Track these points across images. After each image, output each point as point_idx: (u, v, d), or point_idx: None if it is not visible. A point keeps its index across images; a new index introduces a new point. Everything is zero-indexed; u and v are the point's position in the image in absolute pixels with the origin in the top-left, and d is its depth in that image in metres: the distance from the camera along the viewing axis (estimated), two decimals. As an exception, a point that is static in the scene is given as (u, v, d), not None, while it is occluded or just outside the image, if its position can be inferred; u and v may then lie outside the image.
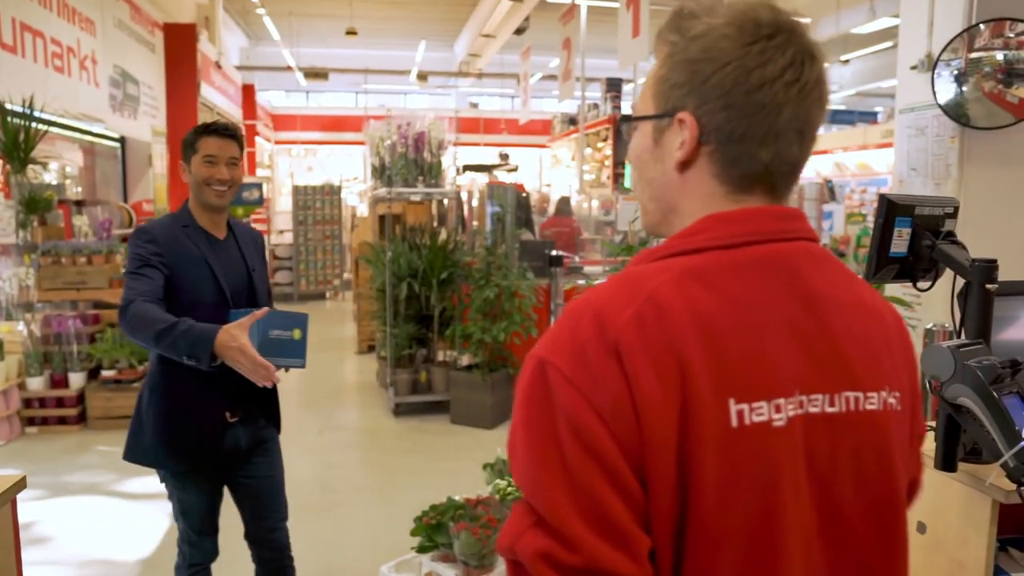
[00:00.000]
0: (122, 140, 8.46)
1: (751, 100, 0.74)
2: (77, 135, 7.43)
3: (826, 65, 0.78)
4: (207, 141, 2.17)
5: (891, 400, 0.78)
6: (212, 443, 2.21)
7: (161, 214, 8.65)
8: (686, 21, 0.78)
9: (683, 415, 0.68)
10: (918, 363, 0.85)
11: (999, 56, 3.14)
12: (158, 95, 9.07)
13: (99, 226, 5.71)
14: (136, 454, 2.27)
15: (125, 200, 8.45)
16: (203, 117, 10.20)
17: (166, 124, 9.21)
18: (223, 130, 2.20)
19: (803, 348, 0.74)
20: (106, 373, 5.26)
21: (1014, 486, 1.20)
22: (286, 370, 2.13)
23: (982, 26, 3.16)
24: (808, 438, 0.73)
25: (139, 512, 3.90)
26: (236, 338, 1.92)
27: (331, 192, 11.61)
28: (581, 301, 0.75)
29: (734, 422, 0.69)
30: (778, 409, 0.71)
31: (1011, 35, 3.13)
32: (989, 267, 1.36)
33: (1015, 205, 3.25)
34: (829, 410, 0.74)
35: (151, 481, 4.29)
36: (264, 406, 2.38)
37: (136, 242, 2.15)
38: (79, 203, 6.83)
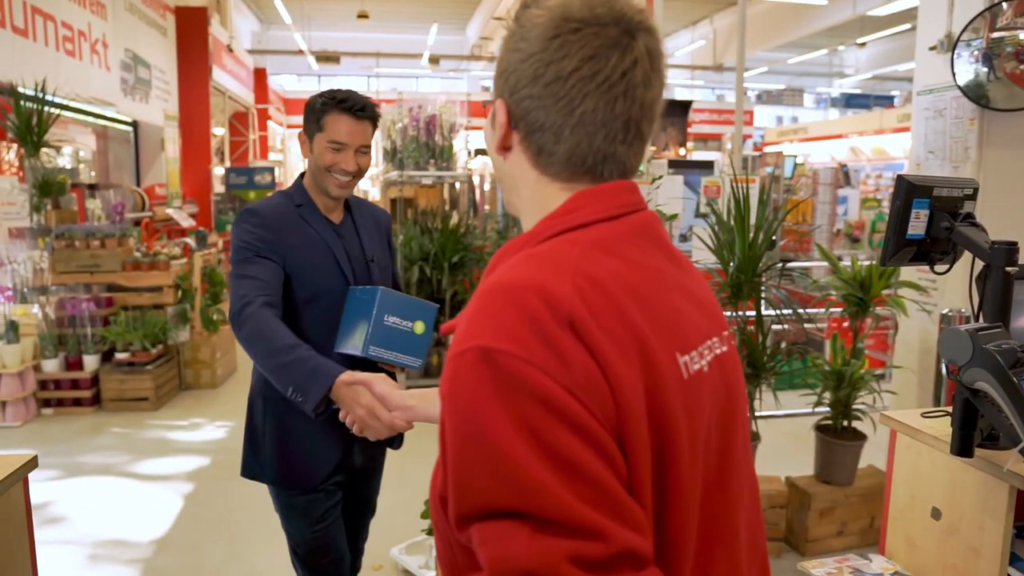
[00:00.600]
0: (134, 124, 8.48)
1: (548, 91, 0.76)
2: (90, 119, 7.45)
3: (651, 57, 0.77)
4: (336, 120, 1.78)
5: (725, 347, 0.85)
6: (337, 460, 1.89)
7: (174, 199, 8.69)
8: (524, 10, 0.80)
9: (646, 378, 0.68)
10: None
11: (1022, 35, 3.08)
12: (170, 79, 9.07)
13: (112, 210, 5.73)
14: (253, 471, 1.94)
15: (138, 184, 8.49)
16: (215, 102, 10.22)
17: (178, 108, 9.22)
18: (358, 109, 1.79)
19: (692, 301, 0.80)
20: (119, 356, 5.29)
21: (1031, 472, 1.18)
22: (401, 369, 1.79)
23: (1005, 4, 3.10)
24: (722, 377, 0.80)
25: (152, 493, 3.94)
26: (360, 393, 1.54)
27: (342, 176, 11.59)
28: (507, 282, 0.70)
29: (684, 373, 0.73)
30: (701, 356, 0.76)
31: (1033, 14, 3.07)
32: (1010, 250, 1.33)
33: (1034, 189, 3.20)
34: (719, 351, 0.81)
35: (164, 462, 4.36)
36: None
37: (243, 227, 1.80)
38: (92, 187, 6.86)
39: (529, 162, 0.80)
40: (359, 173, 1.84)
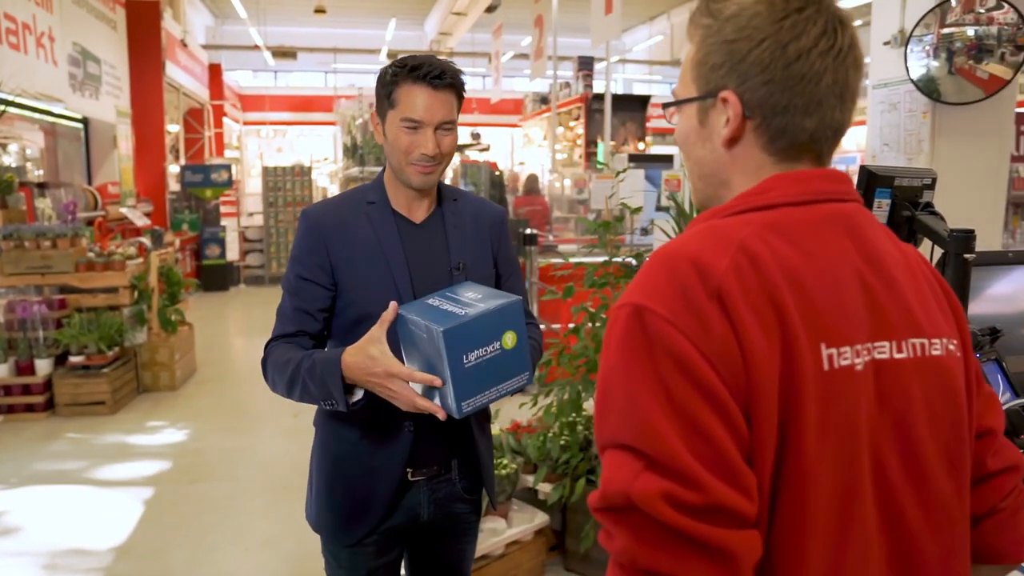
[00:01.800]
0: (84, 121, 8.25)
1: (790, 72, 0.78)
2: (37, 116, 7.22)
3: (856, 27, 0.82)
4: (410, 93, 1.48)
5: (951, 347, 0.83)
6: (382, 509, 1.59)
7: (128, 197, 8.49)
8: (717, 3, 0.82)
9: (784, 360, 0.71)
10: (963, 319, 0.90)
11: (970, 32, 3.16)
12: (121, 75, 8.84)
13: (63, 209, 5.57)
14: (307, 513, 1.74)
15: (89, 182, 8.26)
16: (169, 98, 10.00)
17: (130, 104, 8.99)
18: (435, 77, 1.47)
19: (869, 299, 0.78)
20: (74, 359, 5.15)
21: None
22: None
23: (953, 1, 3.18)
24: (878, 382, 0.77)
25: (111, 499, 3.84)
26: (372, 356, 1.34)
27: (301, 173, 11.45)
28: (671, 250, 0.76)
29: (826, 365, 0.73)
30: (858, 354, 0.75)
31: (981, 10, 3.16)
32: (967, 237, 1.37)
33: (984, 179, 3.30)
34: (897, 356, 0.78)
35: (123, 467, 4.25)
36: (466, 458, 1.64)
37: (296, 237, 1.59)
38: (41, 185, 6.65)
39: (761, 147, 0.82)
40: (443, 156, 1.54)
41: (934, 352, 0.81)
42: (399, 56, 1.53)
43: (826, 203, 0.80)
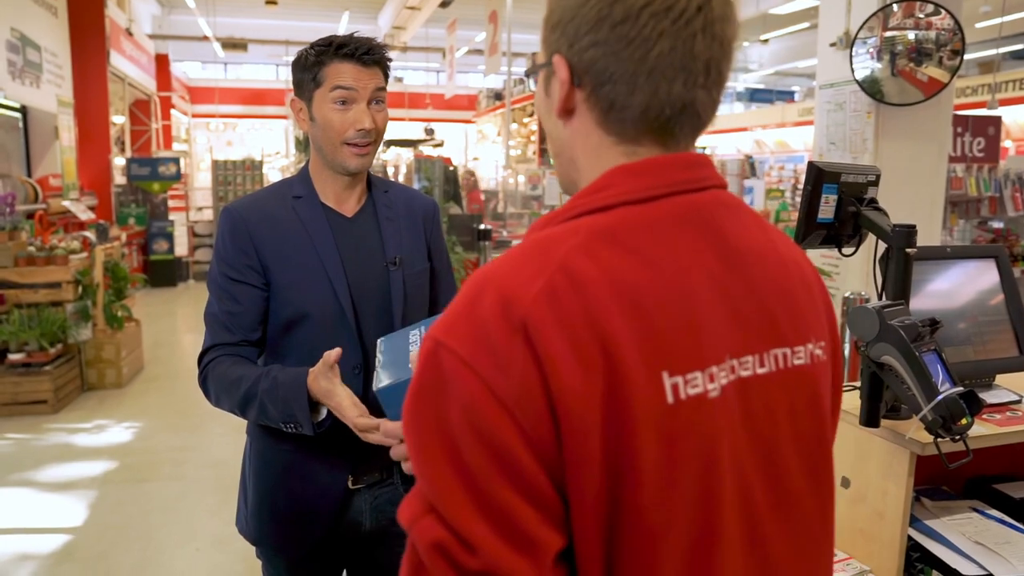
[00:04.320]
0: (23, 110, 7.96)
1: (616, 34, 0.66)
2: (-27, 104, 6.95)
3: None
4: (338, 69, 1.40)
5: (817, 351, 0.75)
6: (327, 520, 1.53)
7: (71, 190, 8.22)
8: None
9: (609, 397, 0.60)
10: (833, 314, 0.82)
11: (911, 35, 3.28)
12: (63, 63, 8.56)
13: (0, 201, 5.37)
14: (240, 525, 1.64)
15: (29, 175, 7.98)
16: (114, 88, 9.71)
17: (73, 94, 8.71)
18: (366, 51, 1.41)
19: (729, 308, 0.68)
20: (13, 356, 4.98)
21: (931, 439, 1.27)
22: None
23: (895, 6, 3.29)
24: (743, 404, 0.68)
25: (54, 502, 3.73)
26: (325, 390, 1.31)
27: (252, 167, 11.25)
28: (481, 275, 0.66)
29: (670, 398, 0.62)
30: (712, 378, 0.65)
31: (921, 15, 3.27)
32: (909, 232, 1.42)
33: (923, 177, 3.42)
34: (760, 371, 0.69)
35: (66, 468, 4.13)
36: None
37: (219, 234, 1.48)
38: (-23, 177, 6.40)
39: (595, 122, 0.70)
40: (378, 134, 1.46)
41: (796, 361, 0.72)
42: (322, 38, 1.43)
43: (676, 196, 0.69)
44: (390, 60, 1.48)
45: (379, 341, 1.15)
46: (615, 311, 0.62)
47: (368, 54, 1.41)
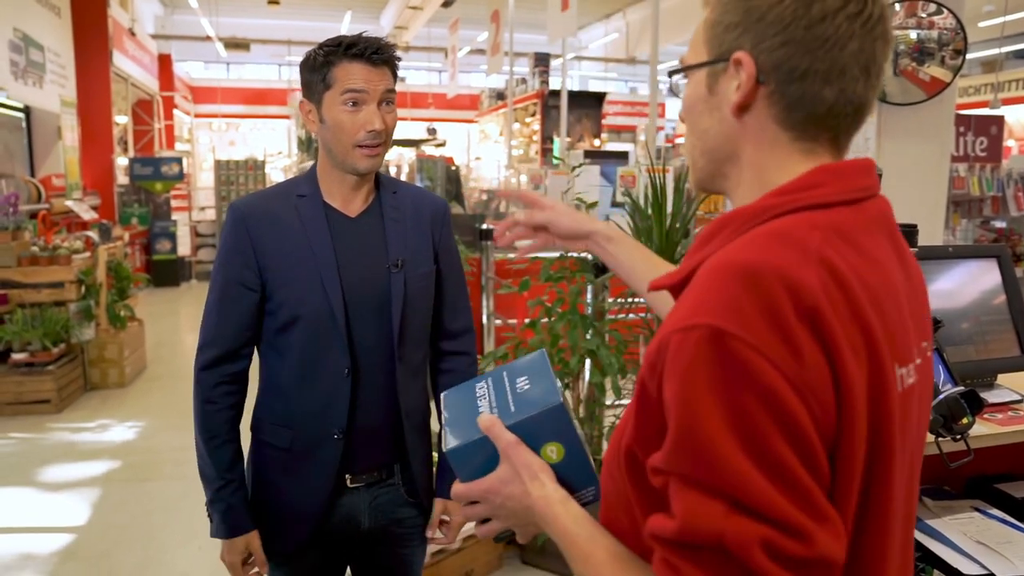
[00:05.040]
0: (26, 110, 7.98)
1: (812, 34, 0.69)
2: (-24, 105, 6.97)
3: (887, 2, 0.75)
4: (348, 69, 1.39)
5: (928, 353, 0.80)
6: (312, 520, 1.51)
7: (74, 190, 8.24)
8: None
9: (872, 388, 0.65)
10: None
11: (913, 35, 3.27)
12: (66, 63, 8.57)
13: (4, 201, 5.38)
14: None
15: (32, 174, 8.00)
16: (117, 88, 9.73)
17: (76, 94, 8.73)
18: (372, 53, 1.39)
19: (907, 308, 0.74)
20: (16, 356, 4.99)
21: (932, 438, 1.27)
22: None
23: (897, 6, 3.28)
24: (911, 393, 0.73)
25: (57, 501, 3.74)
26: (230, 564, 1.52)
27: (255, 167, 11.25)
28: (747, 263, 0.65)
29: (899, 386, 0.69)
30: (915, 371, 0.73)
31: (923, 15, 3.27)
32: (910, 232, 1.42)
33: (925, 177, 3.41)
34: (917, 362, 0.75)
35: (69, 468, 4.14)
36: (407, 464, 1.57)
37: (223, 233, 1.49)
38: (-20, 177, 6.42)
39: (775, 119, 0.73)
40: (388, 135, 1.45)
41: (929, 354, 0.80)
42: (330, 39, 1.44)
43: (869, 200, 0.73)
44: (399, 59, 1.47)
45: (443, 395, 1.03)
46: (867, 305, 0.66)
47: (377, 53, 1.40)
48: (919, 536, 1.44)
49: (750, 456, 0.60)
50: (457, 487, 0.87)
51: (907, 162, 3.36)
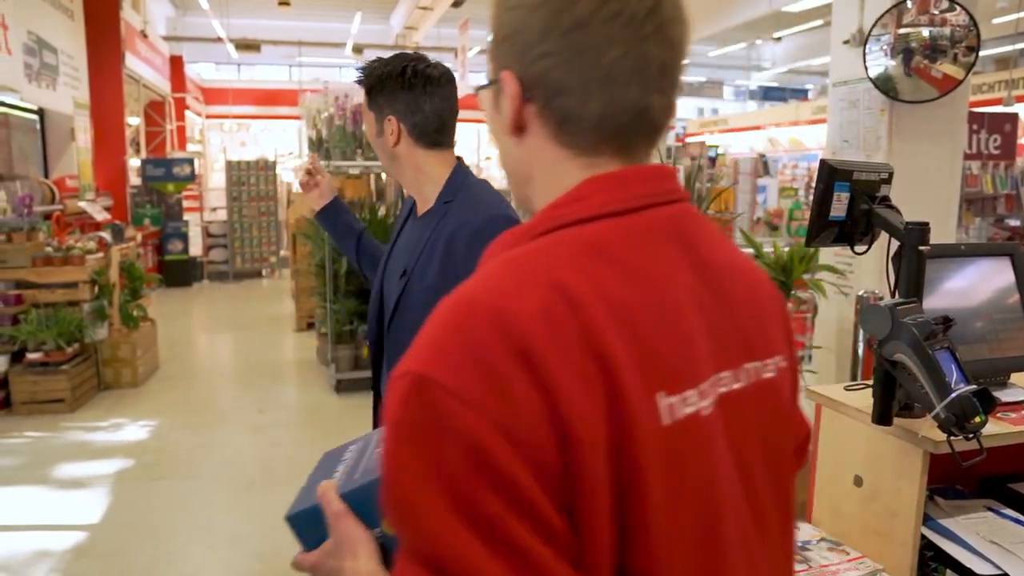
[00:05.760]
0: (40, 112, 8.04)
1: (567, 43, 0.63)
2: (-9, 107, 7.03)
3: None
4: None
5: (783, 364, 0.74)
6: None
7: (87, 191, 8.30)
8: None
9: (612, 421, 0.57)
10: (790, 326, 0.82)
11: (925, 32, 3.25)
12: (79, 65, 8.63)
13: (18, 202, 5.43)
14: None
15: (46, 176, 8.06)
16: (129, 90, 9.79)
17: (89, 96, 8.79)
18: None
19: (707, 323, 0.66)
20: (31, 356, 5.03)
21: (944, 437, 1.26)
22: None
23: (909, 2, 3.26)
24: (725, 421, 0.66)
25: (70, 499, 3.77)
26: None
27: (266, 167, 11.31)
28: (462, 295, 0.60)
29: (665, 419, 0.59)
30: (703, 395, 0.63)
31: (935, 12, 3.24)
32: (922, 230, 1.41)
33: (938, 175, 3.39)
34: (735, 386, 0.68)
35: (83, 466, 4.18)
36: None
37: None
38: (-5, 178, 6.47)
39: (549, 136, 0.68)
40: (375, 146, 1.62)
41: (766, 375, 0.71)
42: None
43: (652, 208, 0.66)
44: (367, 79, 1.56)
45: (322, 455, 0.98)
46: (611, 330, 0.58)
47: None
48: (932, 535, 1.43)
49: (459, 518, 0.54)
50: (297, 556, 0.80)
51: (919, 160, 3.34)
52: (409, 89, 1.52)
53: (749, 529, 0.68)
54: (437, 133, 1.56)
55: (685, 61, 0.68)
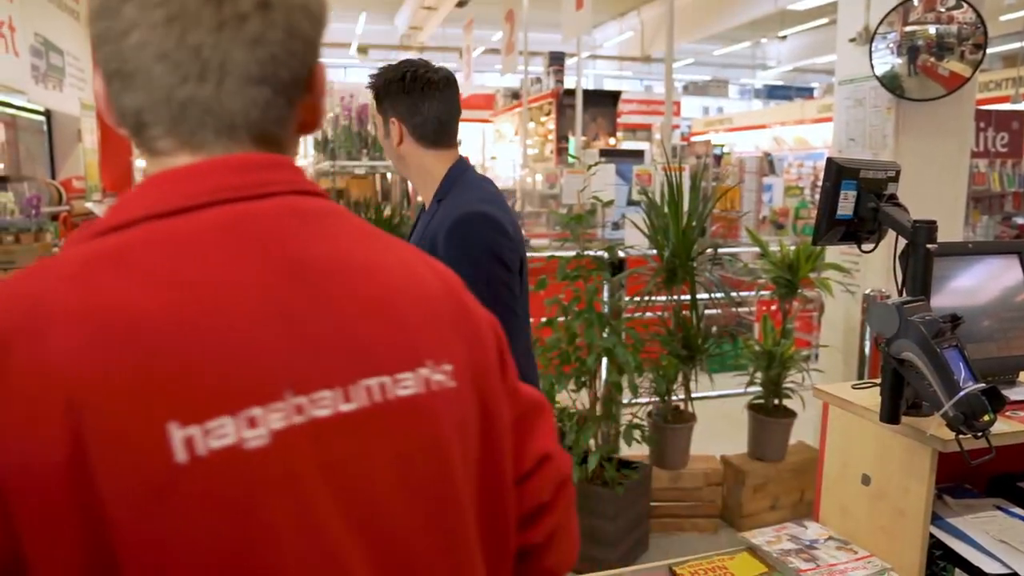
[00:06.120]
0: (47, 113, 8.08)
1: (97, 30, 0.59)
2: (-2, 108, 7.07)
3: None
4: None
5: (437, 377, 0.61)
6: None
7: (93, 192, 8.33)
8: None
9: (82, 466, 0.46)
10: (481, 327, 0.70)
11: (931, 30, 3.24)
12: (85, 67, 8.66)
13: (26, 203, 5.45)
14: None
15: (53, 177, 8.10)
16: (134, 90, 9.82)
17: (95, 97, 8.83)
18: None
19: (293, 333, 0.55)
20: (39, 356, 5.06)
21: (952, 435, 1.26)
22: None
23: (915, 0, 3.25)
24: (320, 452, 0.54)
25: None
26: None
27: (271, 168, 11.33)
28: None
29: (180, 455, 0.48)
30: (252, 423, 0.51)
31: (942, 9, 3.24)
32: (930, 228, 1.41)
33: (944, 174, 3.39)
34: (344, 408, 0.56)
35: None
36: None
37: None
38: (2, 180, 6.51)
39: (142, 143, 0.61)
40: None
41: (402, 392, 0.59)
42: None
43: (221, 205, 0.57)
44: (374, 84, 1.67)
45: None
46: (97, 353, 0.48)
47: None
48: (940, 534, 1.43)
49: None
50: None
51: (926, 158, 3.33)
52: (408, 93, 1.61)
53: None
54: (436, 134, 1.64)
55: (268, 57, 0.59)
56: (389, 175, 7.17)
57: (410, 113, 1.62)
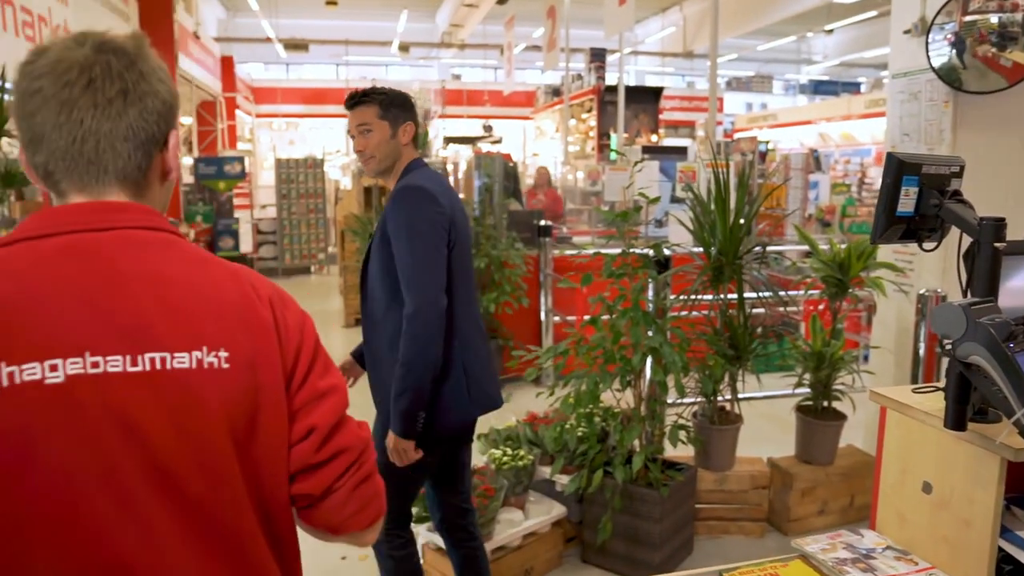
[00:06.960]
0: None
1: (18, 113, 0.87)
2: (53, 108, 7.26)
3: (109, 77, 0.89)
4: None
5: (210, 359, 0.86)
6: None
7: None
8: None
9: None
10: (274, 330, 0.93)
11: (993, 19, 3.12)
12: (135, 67, 8.86)
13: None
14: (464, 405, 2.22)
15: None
16: (182, 91, 10.02)
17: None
18: (347, 102, 2.12)
19: (96, 315, 0.81)
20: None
21: (1024, 444, 1.20)
22: None
23: (976, -11, 3.13)
24: (107, 394, 0.80)
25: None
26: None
27: (314, 165, 11.46)
28: None
29: (4, 382, 0.77)
30: (54, 368, 0.78)
31: (1004, -2, 3.11)
32: (998, 225, 1.34)
33: (1006, 169, 3.25)
34: (131, 369, 0.82)
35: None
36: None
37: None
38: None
39: (39, 186, 0.91)
40: (367, 152, 2.10)
41: (177, 365, 0.84)
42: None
43: (69, 234, 0.85)
44: (367, 97, 2.07)
45: None
46: None
47: (349, 101, 2.09)
48: (1009, 547, 1.36)
49: None
50: None
51: (986, 153, 3.21)
52: (412, 109, 2.15)
53: (137, 489, 0.81)
54: (416, 137, 2.18)
55: (123, 140, 0.88)
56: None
57: (415, 122, 2.16)
